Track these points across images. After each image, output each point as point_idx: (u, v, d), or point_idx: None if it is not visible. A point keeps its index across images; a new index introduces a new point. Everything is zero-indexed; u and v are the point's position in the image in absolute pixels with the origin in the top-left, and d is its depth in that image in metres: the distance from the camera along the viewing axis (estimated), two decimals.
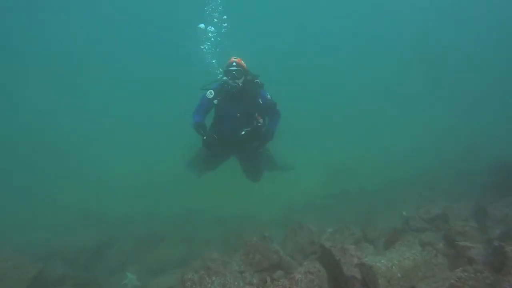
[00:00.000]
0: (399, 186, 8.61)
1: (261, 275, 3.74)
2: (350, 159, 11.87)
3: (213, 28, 8.16)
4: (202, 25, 8.24)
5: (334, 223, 5.53)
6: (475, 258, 3.01)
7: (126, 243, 6.93)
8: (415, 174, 9.34)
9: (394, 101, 20.79)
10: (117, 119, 21.31)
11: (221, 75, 5.72)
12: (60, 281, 5.36)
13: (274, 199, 8.98)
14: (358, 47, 26.36)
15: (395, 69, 24.37)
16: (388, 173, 9.90)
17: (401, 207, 6.42)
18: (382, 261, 3.04)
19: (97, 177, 12.31)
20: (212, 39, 8.03)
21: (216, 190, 8.48)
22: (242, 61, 4.71)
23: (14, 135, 17.49)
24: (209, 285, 3.33)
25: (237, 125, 4.78)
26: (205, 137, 4.64)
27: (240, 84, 4.57)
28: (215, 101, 4.72)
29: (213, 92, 4.72)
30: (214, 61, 6.94)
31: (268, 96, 4.82)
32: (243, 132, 4.76)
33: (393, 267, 2.97)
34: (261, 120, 4.77)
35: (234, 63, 4.58)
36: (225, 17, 8.62)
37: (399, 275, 2.92)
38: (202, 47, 7.75)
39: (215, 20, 8.59)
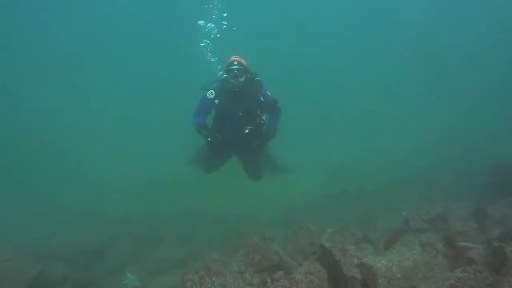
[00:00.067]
0: (399, 186, 8.62)
1: (261, 276, 3.75)
2: (350, 159, 11.87)
3: (213, 25, 8.15)
4: (202, 22, 8.24)
5: (334, 224, 5.53)
6: (474, 258, 3.02)
7: (126, 243, 6.93)
8: (415, 174, 9.34)
9: (394, 101, 20.80)
10: (117, 119, 21.33)
11: (221, 72, 5.74)
12: (60, 282, 5.36)
13: (274, 199, 8.99)
14: (358, 47, 26.36)
15: (395, 69, 24.37)
16: (388, 173, 9.91)
17: (401, 207, 6.43)
18: (382, 261, 3.04)
19: (97, 177, 12.31)
20: (212, 36, 8.02)
21: (216, 190, 8.49)
22: (242, 60, 4.72)
23: (14, 135, 17.50)
24: (209, 285, 3.33)
25: (239, 123, 4.79)
26: (209, 139, 4.64)
27: (242, 82, 4.59)
28: (216, 101, 4.72)
29: (213, 92, 4.72)
30: (213, 59, 6.95)
31: (269, 93, 4.85)
32: (246, 131, 4.78)
33: (393, 267, 2.97)
34: (264, 117, 4.78)
35: (236, 62, 4.60)
36: (225, 14, 8.62)
37: (399, 275, 2.93)
38: (202, 44, 7.75)
39: (214, 16, 8.58)
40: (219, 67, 6.27)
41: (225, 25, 8.37)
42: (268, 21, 26.23)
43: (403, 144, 12.92)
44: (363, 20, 26.66)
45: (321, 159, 12.56)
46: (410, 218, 4.97)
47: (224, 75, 4.81)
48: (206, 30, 8.14)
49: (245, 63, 4.72)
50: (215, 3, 8.94)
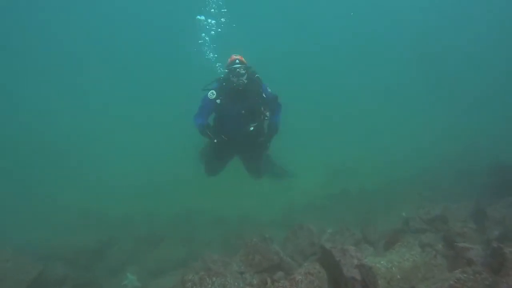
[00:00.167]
0: (399, 186, 8.63)
1: (261, 276, 3.75)
2: (350, 159, 11.87)
3: (214, 21, 8.16)
4: (202, 17, 8.24)
5: (334, 224, 5.54)
6: (474, 259, 3.02)
7: (126, 243, 6.93)
8: (415, 174, 9.35)
9: (394, 101, 20.77)
10: (117, 119, 21.32)
11: (221, 69, 5.74)
12: (60, 282, 5.37)
13: (274, 199, 8.99)
14: (358, 47, 26.34)
15: (395, 69, 24.35)
16: (388, 173, 9.91)
17: (401, 208, 6.44)
18: (382, 262, 3.05)
19: (97, 177, 12.31)
20: (212, 32, 8.02)
21: (216, 190, 8.49)
22: (243, 58, 4.73)
23: (14, 135, 17.50)
24: (210, 286, 3.34)
25: (243, 122, 4.81)
26: (215, 140, 4.64)
27: (245, 81, 4.59)
28: (218, 101, 4.71)
29: (214, 92, 4.71)
30: (212, 55, 6.96)
31: (269, 90, 4.89)
32: (251, 128, 4.80)
33: (393, 268, 2.98)
34: (267, 113, 4.79)
35: (237, 61, 4.61)
36: (224, 10, 8.61)
37: (398, 276, 2.94)
38: (200, 41, 7.75)
39: (213, 10, 8.56)
40: (218, 64, 6.28)
41: (224, 22, 8.37)
42: (268, 21, 26.24)
43: (403, 144, 12.92)
44: (363, 20, 26.63)
45: (321, 159, 12.56)
46: (410, 219, 4.98)
47: (224, 74, 4.83)
48: (207, 26, 8.14)
49: (245, 61, 4.74)
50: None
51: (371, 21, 26.62)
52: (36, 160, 14.84)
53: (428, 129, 14.65)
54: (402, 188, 8.33)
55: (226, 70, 4.73)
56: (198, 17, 8.33)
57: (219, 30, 8.23)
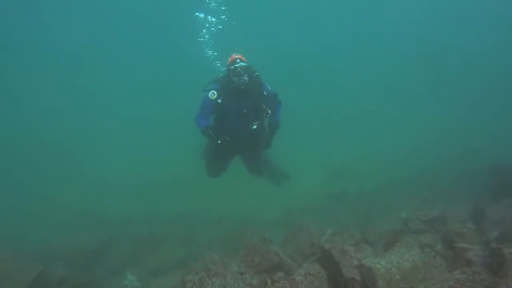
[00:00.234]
0: (399, 186, 8.63)
1: (261, 277, 3.76)
2: (350, 159, 11.87)
3: (214, 19, 8.14)
4: (202, 14, 8.22)
5: (334, 224, 5.54)
6: (473, 260, 3.03)
7: (126, 244, 6.94)
8: (415, 174, 9.35)
9: (394, 101, 20.76)
10: (117, 119, 21.32)
11: (221, 68, 5.74)
12: (60, 282, 5.37)
13: (274, 199, 9.00)
14: (358, 47, 26.34)
15: (395, 69, 24.34)
16: (388, 173, 9.91)
17: (401, 208, 6.44)
18: (382, 262, 3.05)
19: (97, 177, 12.32)
20: (213, 28, 8.00)
21: (216, 190, 8.50)
22: (243, 57, 4.74)
23: (14, 135, 17.51)
24: (209, 286, 3.35)
25: (245, 121, 4.82)
26: (219, 141, 4.64)
27: (247, 79, 4.60)
28: (219, 101, 4.71)
29: (215, 93, 4.70)
30: (210, 52, 6.95)
31: (269, 88, 4.91)
32: (255, 126, 4.82)
33: (393, 268, 2.98)
34: (269, 111, 4.81)
35: (238, 60, 4.61)
36: (223, 8, 8.58)
37: (398, 276, 2.94)
38: (201, 39, 7.73)
39: (212, 4, 8.53)
40: (218, 63, 6.28)
41: (224, 18, 8.35)
42: (268, 21, 26.24)
43: (403, 144, 12.91)
44: (363, 20, 26.65)
45: (321, 159, 12.56)
46: (409, 219, 4.98)
47: (224, 74, 4.84)
48: (206, 24, 8.12)
49: (245, 60, 4.75)
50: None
51: (371, 21, 26.64)
52: (36, 160, 14.86)
53: (428, 129, 14.65)
54: (402, 188, 8.33)
55: (227, 70, 4.73)
56: (197, 14, 8.30)
57: (220, 27, 8.21)
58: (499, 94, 17.78)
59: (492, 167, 7.20)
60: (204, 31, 8.01)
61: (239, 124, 4.84)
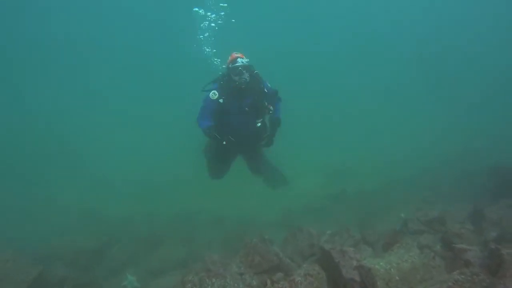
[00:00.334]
0: (399, 186, 8.62)
1: (261, 277, 3.77)
2: (350, 159, 11.88)
3: (214, 15, 8.13)
4: (201, 11, 8.21)
5: (334, 225, 5.55)
6: (471, 260, 3.04)
7: (126, 244, 6.95)
8: (415, 174, 9.34)
9: (394, 101, 20.78)
10: (117, 119, 21.34)
11: (220, 65, 5.74)
12: (60, 282, 5.38)
13: (274, 199, 9.01)
14: (358, 47, 26.35)
15: (395, 69, 24.36)
16: (388, 173, 9.90)
17: (401, 208, 6.43)
18: (381, 263, 3.07)
19: (97, 177, 12.34)
20: (213, 24, 7.98)
21: (216, 190, 8.50)
22: (243, 56, 4.74)
23: (14, 135, 17.53)
24: (209, 287, 3.36)
25: (248, 119, 4.82)
26: (224, 142, 4.63)
27: (248, 79, 4.60)
28: (221, 100, 4.69)
29: (216, 93, 4.68)
30: (207, 49, 6.94)
31: (269, 85, 4.92)
32: (259, 124, 4.82)
33: (392, 269, 3.00)
34: (271, 108, 4.81)
35: (239, 59, 4.61)
36: (222, 5, 8.56)
37: (397, 277, 2.95)
38: (201, 37, 7.72)
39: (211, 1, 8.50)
40: (217, 60, 6.27)
41: (223, 15, 8.34)
42: (268, 21, 26.24)
43: (403, 144, 12.91)
44: (363, 20, 26.66)
45: (321, 159, 12.57)
46: (409, 220, 4.98)
47: (224, 73, 4.84)
48: (206, 21, 8.09)
49: (246, 59, 4.76)
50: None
51: (371, 21, 26.64)
52: (36, 160, 14.88)
53: (428, 129, 14.65)
54: (401, 189, 8.32)
55: (227, 69, 4.72)
56: (196, 9, 8.27)
57: (220, 22, 8.20)
58: (499, 94, 17.77)
59: (492, 167, 7.19)
60: (206, 23, 7.97)
61: (240, 123, 4.83)
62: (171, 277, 5.30)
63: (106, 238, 6.97)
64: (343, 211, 7.48)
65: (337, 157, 12.57)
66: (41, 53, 23.55)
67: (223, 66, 5.52)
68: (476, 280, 2.65)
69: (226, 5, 8.46)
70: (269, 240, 4.38)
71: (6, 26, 21.50)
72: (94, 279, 5.67)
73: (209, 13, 8.21)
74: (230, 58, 4.76)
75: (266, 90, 4.83)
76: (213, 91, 4.69)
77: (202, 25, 7.86)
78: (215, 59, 6.40)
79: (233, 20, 8.66)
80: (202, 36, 7.84)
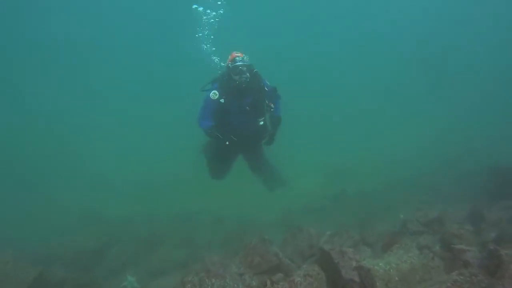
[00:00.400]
0: (399, 186, 8.63)
1: (260, 278, 3.78)
2: (350, 159, 11.88)
3: (214, 13, 8.13)
4: (201, 8, 8.20)
5: (333, 225, 5.55)
6: (470, 261, 3.04)
7: (126, 244, 6.95)
8: (415, 174, 9.34)
9: (394, 101, 20.78)
10: (117, 119, 21.35)
11: (219, 64, 5.75)
12: (60, 282, 5.38)
13: (274, 200, 9.01)
14: (358, 47, 26.35)
15: (395, 69, 24.35)
16: (388, 173, 9.90)
17: (401, 208, 6.44)
18: (380, 264, 3.07)
19: (97, 177, 12.34)
20: (212, 20, 7.98)
21: (216, 190, 8.50)
22: (243, 55, 4.75)
23: (14, 135, 17.53)
24: (209, 287, 3.36)
25: (247, 118, 4.82)
26: (227, 142, 4.63)
27: (248, 78, 4.60)
28: (222, 100, 4.68)
29: (217, 92, 4.67)
30: (206, 46, 6.94)
31: (268, 83, 4.94)
32: (261, 122, 4.83)
33: (391, 270, 3.00)
34: (272, 105, 4.81)
35: (239, 58, 4.61)
36: (220, 2, 8.54)
37: (396, 278, 2.96)
38: (200, 35, 7.71)
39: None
40: (217, 59, 6.27)
41: (222, 13, 8.33)
42: (268, 21, 26.24)
43: (403, 144, 12.91)
44: (363, 20, 26.65)
45: (321, 159, 12.57)
46: (408, 221, 4.99)
47: (224, 73, 4.83)
48: (204, 17, 8.08)
49: (246, 58, 4.76)
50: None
51: (371, 21, 26.63)
52: (36, 160, 14.88)
53: (428, 129, 14.65)
54: (401, 189, 8.33)
55: (227, 68, 4.71)
56: (195, 6, 8.26)
57: (217, 19, 8.19)
58: (499, 94, 17.78)
59: (492, 167, 7.19)
60: (205, 17, 7.95)
61: (241, 122, 4.83)
62: (171, 277, 5.31)
63: (106, 238, 6.97)
64: (343, 211, 7.49)
65: (337, 157, 12.56)
66: (41, 53, 23.53)
67: (222, 63, 5.52)
68: (475, 281, 2.66)
69: (223, 2, 8.44)
70: (269, 241, 4.39)
71: (6, 26, 21.49)
72: (94, 279, 5.67)
73: (208, 11, 8.21)
74: (230, 57, 4.76)
75: (266, 89, 4.83)
76: (213, 91, 4.68)
77: (204, 18, 7.85)
78: (214, 58, 6.39)
79: (230, 18, 8.66)
80: (200, 34, 7.82)
